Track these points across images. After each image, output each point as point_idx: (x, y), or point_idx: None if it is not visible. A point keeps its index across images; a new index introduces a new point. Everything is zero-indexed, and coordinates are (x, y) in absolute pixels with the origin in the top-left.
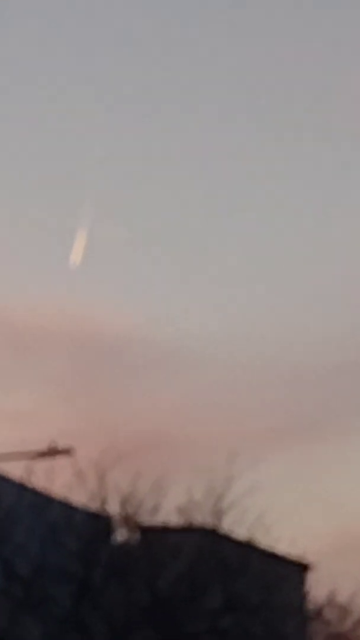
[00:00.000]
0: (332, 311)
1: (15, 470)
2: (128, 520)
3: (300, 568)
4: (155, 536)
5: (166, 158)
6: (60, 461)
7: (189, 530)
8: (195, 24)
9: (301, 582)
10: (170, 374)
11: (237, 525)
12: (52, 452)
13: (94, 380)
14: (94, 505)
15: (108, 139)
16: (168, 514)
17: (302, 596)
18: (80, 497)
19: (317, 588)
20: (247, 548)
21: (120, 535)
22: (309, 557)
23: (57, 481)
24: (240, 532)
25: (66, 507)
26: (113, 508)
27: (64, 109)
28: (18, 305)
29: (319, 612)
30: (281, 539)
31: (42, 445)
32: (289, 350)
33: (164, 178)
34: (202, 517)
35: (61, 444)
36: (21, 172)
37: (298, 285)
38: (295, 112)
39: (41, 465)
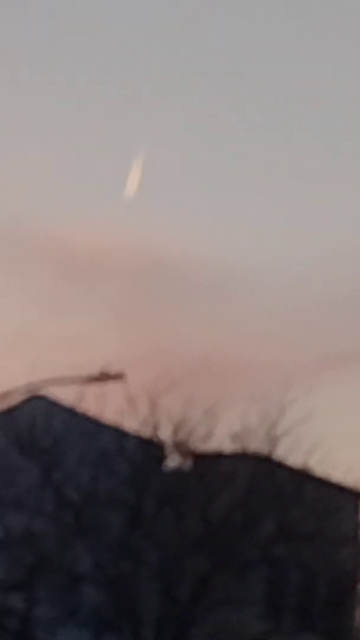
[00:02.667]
0: None
1: (67, 396)
2: (180, 447)
3: (354, 496)
4: (208, 463)
5: (225, 81)
6: (112, 386)
7: (242, 458)
8: None
9: (355, 510)
10: (226, 300)
11: (291, 453)
12: (103, 377)
13: (148, 305)
14: (145, 432)
15: (167, 62)
16: (221, 441)
17: (356, 524)
18: (131, 423)
19: None
20: (301, 476)
21: (173, 461)
22: None
23: (109, 407)
24: (294, 459)
25: (117, 433)
26: (165, 434)
27: (121, 33)
28: (74, 229)
29: None
30: (336, 466)
31: (94, 371)
32: (347, 276)
33: (224, 101)
34: (256, 444)
35: (113, 369)
36: (80, 97)
37: (354, 210)
38: None
39: (92, 391)
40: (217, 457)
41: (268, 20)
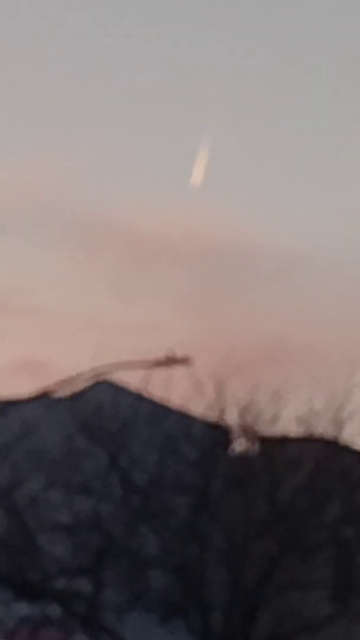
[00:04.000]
0: None
1: (132, 380)
2: (247, 431)
3: None
4: (275, 447)
5: (285, 70)
6: (178, 371)
7: (309, 441)
8: None
9: None
10: (291, 284)
11: (358, 436)
12: (169, 361)
13: (214, 290)
14: (212, 416)
15: (231, 52)
16: (288, 424)
17: None
18: (198, 408)
19: None
20: None
21: (239, 445)
22: None
23: (175, 391)
24: None
25: (184, 418)
26: (231, 418)
27: (185, 23)
28: (140, 214)
29: None
30: None
31: (160, 355)
32: None
33: (284, 91)
34: (322, 428)
35: (179, 353)
36: (145, 84)
37: None
38: None
39: (159, 375)
40: (284, 441)
41: None
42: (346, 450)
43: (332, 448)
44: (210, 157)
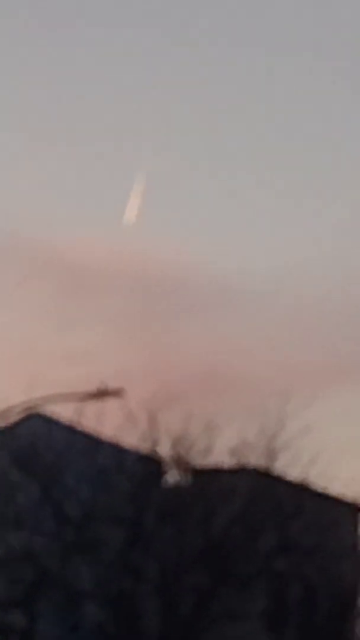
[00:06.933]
0: None
1: (65, 413)
2: (180, 462)
3: (354, 509)
4: (208, 478)
5: (225, 90)
6: (111, 403)
7: (241, 472)
8: None
9: (355, 523)
10: (224, 315)
11: (290, 467)
12: (102, 393)
13: (148, 321)
14: (145, 447)
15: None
16: (220, 455)
17: (356, 538)
18: (131, 439)
19: None
20: (301, 489)
21: (172, 477)
22: None
23: (108, 423)
24: (294, 473)
25: (117, 450)
26: (165, 450)
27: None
28: (76, 246)
29: None
30: (336, 480)
31: (94, 386)
32: (345, 289)
33: (226, 114)
34: (255, 458)
35: (113, 384)
36: (82, 109)
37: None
38: None
39: (91, 407)
40: (217, 472)
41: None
42: (279, 480)
43: (265, 479)
44: (144, 193)
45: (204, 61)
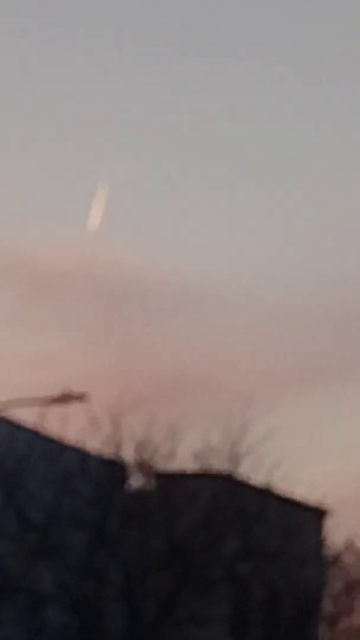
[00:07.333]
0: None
1: (29, 417)
2: (143, 467)
3: (318, 514)
4: (171, 482)
5: (194, 99)
6: (74, 407)
7: (205, 477)
8: None
9: (319, 528)
10: (188, 319)
11: (254, 471)
12: (65, 397)
13: (112, 325)
14: (108, 452)
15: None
16: (184, 460)
17: (320, 542)
18: (94, 444)
19: (335, 534)
20: (265, 494)
21: (136, 481)
22: (327, 503)
23: (71, 427)
24: (257, 478)
25: (80, 454)
26: (128, 454)
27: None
28: (40, 251)
29: (337, 558)
30: (299, 484)
31: (58, 390)
32: (308, 294)
33: (189, 121)
34: (218, 463)
35: (77, 388)
36: (46, 114)
37: (319, 231)
38: None
39: (55, 412)
40: (180, 477)
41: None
42: (243, 485)
43: (228, 483)
44: (109, 198)
45: (168, 61)
